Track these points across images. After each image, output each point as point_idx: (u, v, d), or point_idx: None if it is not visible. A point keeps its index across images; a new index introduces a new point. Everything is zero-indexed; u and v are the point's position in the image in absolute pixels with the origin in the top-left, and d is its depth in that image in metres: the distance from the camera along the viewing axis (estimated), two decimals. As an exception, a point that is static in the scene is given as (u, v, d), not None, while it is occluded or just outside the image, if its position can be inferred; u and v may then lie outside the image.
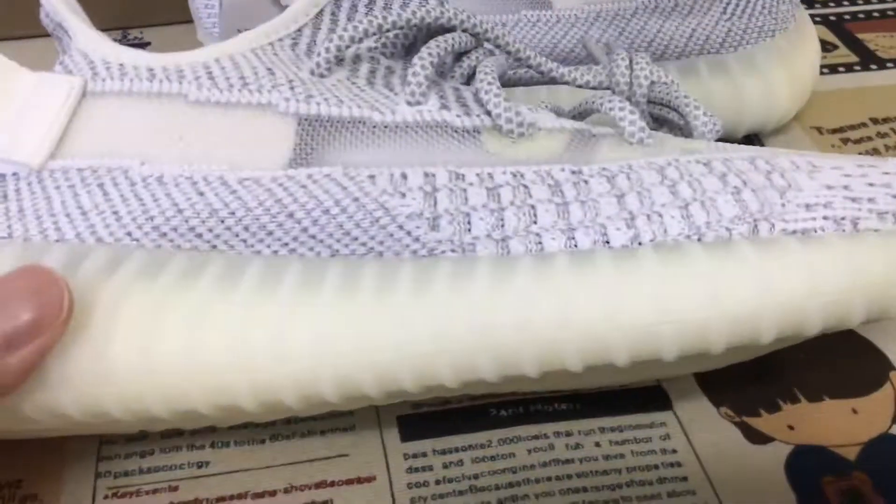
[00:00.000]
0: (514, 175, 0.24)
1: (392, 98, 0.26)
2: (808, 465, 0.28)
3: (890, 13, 0.48)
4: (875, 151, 0.40)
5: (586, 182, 0.24)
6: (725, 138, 0.39)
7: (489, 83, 0.26)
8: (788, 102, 0.39)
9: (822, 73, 0.44)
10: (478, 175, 0.24)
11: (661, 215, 0.23)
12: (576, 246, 0.23)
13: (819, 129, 0.41)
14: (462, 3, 0.38)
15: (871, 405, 0.30)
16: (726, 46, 0.38)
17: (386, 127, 0.25)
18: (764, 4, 0.37)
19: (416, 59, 0.26)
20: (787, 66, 0.38)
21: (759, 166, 0.25)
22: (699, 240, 0.23)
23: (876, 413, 0.29)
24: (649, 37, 0.38)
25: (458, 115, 0.25)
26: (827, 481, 0.27)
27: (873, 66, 0.45)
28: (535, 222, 0.24)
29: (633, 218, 0.23)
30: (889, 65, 0.45)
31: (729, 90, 0.38)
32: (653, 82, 0.29)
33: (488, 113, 0.26)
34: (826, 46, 0.46)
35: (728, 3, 0.37)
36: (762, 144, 0.40)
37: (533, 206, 0.24)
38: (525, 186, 0.24)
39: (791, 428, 0.29)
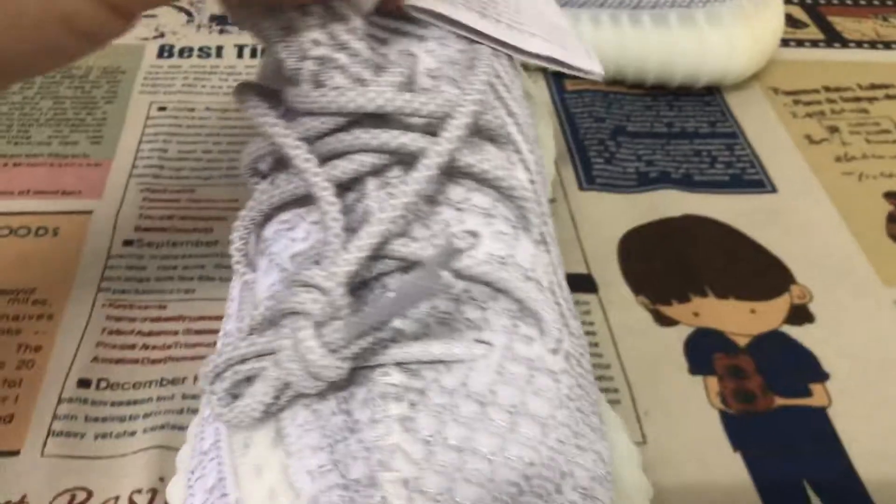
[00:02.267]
0: None
1: None
2: (704, 343, 0.33)
3: (862, 2, 0.53)
4: (821, 114, 0.44)
5: None
6: (686, 87, 0.44)
7: None
8: (747, 60, 0.43)
9: (789, 46, 0.49)
10: None
11: None
12: None
13: (775, 90, 0.46)
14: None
15: (769, 308, 0.34)
16: (696, 1, 0.42)
17: None
18: (733, -33, 0.42)
19: None
20: (749, 27, 0.43)
21: None
22: None
23: (771, 315, 0.34)
24: (628, -14, 0.42)
25: None
26: (717, 357, 0.32)
27: (836, 45, 0.49)
28: None
29: None
30: (851, 45, 0.49)
31: (694, 41, 0.42)
32: None
33: None
34: (797, 24, 0.51)
35: (701, -37, 0.42)
36: (721, 96, 0.45)
37: None
38: None
39: (696, 315, 0.34)
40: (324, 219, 0.22)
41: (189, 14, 0.50)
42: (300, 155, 0.22)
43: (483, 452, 0.20)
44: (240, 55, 0.46)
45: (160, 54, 0.46)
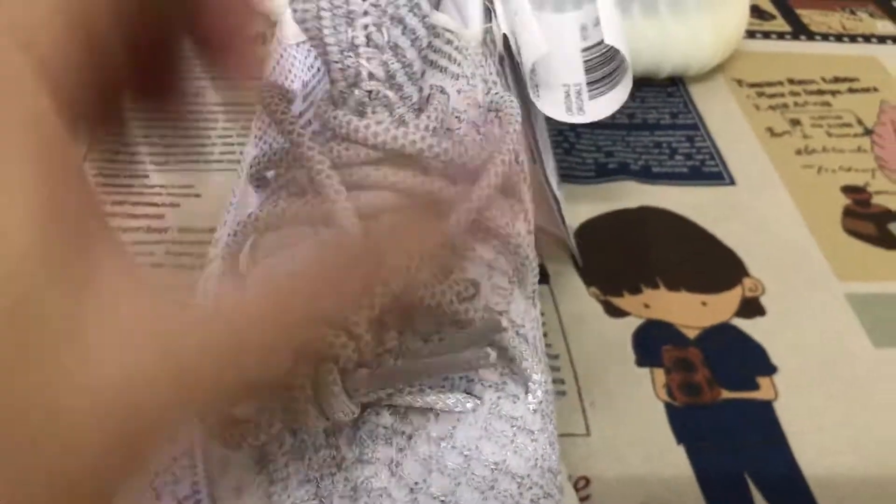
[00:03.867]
0: None
1: None
2: (653, 335, 0.33)
3: (830, -6, 0.53)
4: (784, 106, 0.44)
5: None
6: (649, 78, 0.44)
7: None
8: (711, 51, 0.43)
9: (755, 38, 0.49)
10: None
11: None
12: None
13: (739, 82, 0.45)
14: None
15: (720, 301, 0.34)
16: (659, -8, 0.42)
17: None
18: (697, -43, 0.42)
19: None
20: (713, 17, 0.43)
21: None
22: None
23: (722, 307, 0.34)
24: (592, -25, 0.42)
25: None
26: (666, 349, 0.32)
27: (803, 37, 0.49)
28: None
29: None
30: (817, 37, 0.49)
31: (657, 31, 0.42)
32: None
33: None
34: (765, 15, 0.51)
35: (665, -47, 0.41)
36: (685, 87, 0.45)
37: None
38: None
39: (646, 306, 0.34)
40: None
41: None
42: (332, 185, 0.22)
43: None
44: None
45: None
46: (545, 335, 0.32)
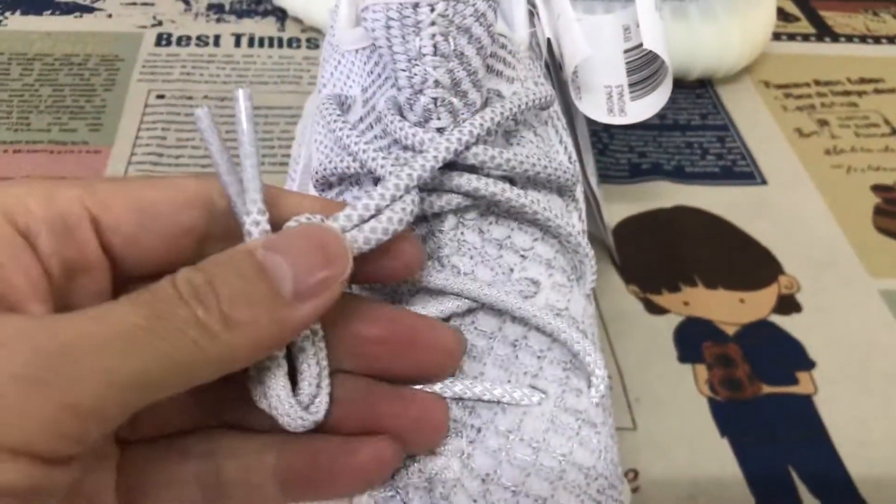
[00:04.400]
0: None
1: None
2: (694, 331, 0.33)
3: (852, -4, 0.54)
4: (811, 107, 0.45)
5: None
6: (679, 80, 0.45)
7: None
8: (739, 53, 0.44)
9: (780, 40, 0.49)
10: None
11: None
12: None
13: (766, 83, 0.46)
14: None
15: (757, 298, 0.35)
16: (689, -5, 0.43)
17: None
18: (727, -38, 0.43)
19: None
20: (741, 20, 0.43)
21: None
22: None
23: (759, 304, 0.35)
24: (623, -21, 0.43)
25: None
26: (707, 346, 0.33)
27: (827, 39, 0.50)
28: None
29: None
30: (841, 39, 0.50)
31: (687, 34, 0.43)
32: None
33: None
34: (789, 18, 0.51)
35: (695, -43, 0.42)
36: (713, 89, 0.45)
37: None
38: None
39: (686, 304, 0.34)
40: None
41: (186, 2, 0.50)
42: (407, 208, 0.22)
43: (535, 495, 0.21)
44: (237, 44, 0.47)
45: (158, 42, 0.46)
46: (588, 332, 0.33)
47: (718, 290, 0.35)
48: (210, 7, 0.50)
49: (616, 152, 0.41)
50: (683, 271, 0.35)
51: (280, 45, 0.47)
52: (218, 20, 0.48)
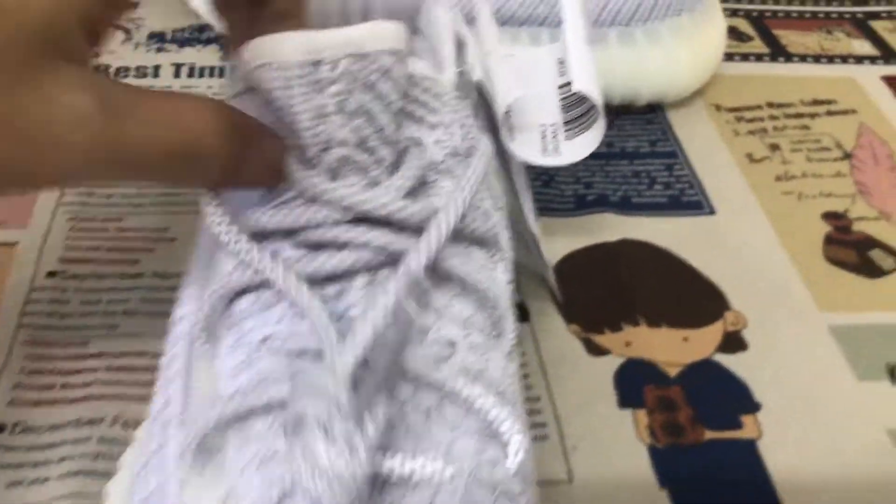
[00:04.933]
0: None
1: None
2: (635, 374, 0.32)
3: (807, 15, 0.53)
4: (763, 131, 0.44)
5: None
6: (628, 106, 0.44)
7: None
8: (688, 78, 0.43)
9: (733, 60, 0.49)
10: None
11: None
12: None
13: (718, 106, 0.45)
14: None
15: (702, 336, 0.34)
16: (635, 20, 0.42)
17: None
18: (673, -14, 0.42)
19: None
20: (689, 45, 0.42)
21: None
22: None
23: (704, 343, 0.34)
24: (567, 4, 0.42)
25: None
26: (648, 389, 0.32)
27: (781, 59, 0.49)
28: None
29: None
30: (795, 59, 0.49)
31: (634, 60, 0.42)
32: None
33: None
34: (743, 37, 0.51)
35: (640, -19, 0.41)
36: (664, 114, 0.44)
37: None
38: None
39: (628, 344, 0.33)
40: (315, 329, 0.21)
41: (127, 31, 0.49)
42: (292, 286, 0.22)
43: None
44: (177, 75, 0.45)
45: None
46: (526, 377, 0.32)
47: (662, 329, 0.34)
48: (151, 36, 0.48)
49: (561, 184, 0.40)
50: (626, 309, 0.34)
51: (221, 74, 0.46)
52: (158, 50, 0.47)
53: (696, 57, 0.43)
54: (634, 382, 0.32)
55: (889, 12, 0.53)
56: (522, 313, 0.34)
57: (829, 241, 0.38)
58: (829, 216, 0.40)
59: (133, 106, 0.20)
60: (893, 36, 0.51)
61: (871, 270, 0.37)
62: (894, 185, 0.42)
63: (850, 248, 0.38)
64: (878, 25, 0.52)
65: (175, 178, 0.24)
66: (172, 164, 0.21)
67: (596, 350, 0.33)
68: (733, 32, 0.50)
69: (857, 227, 0.39)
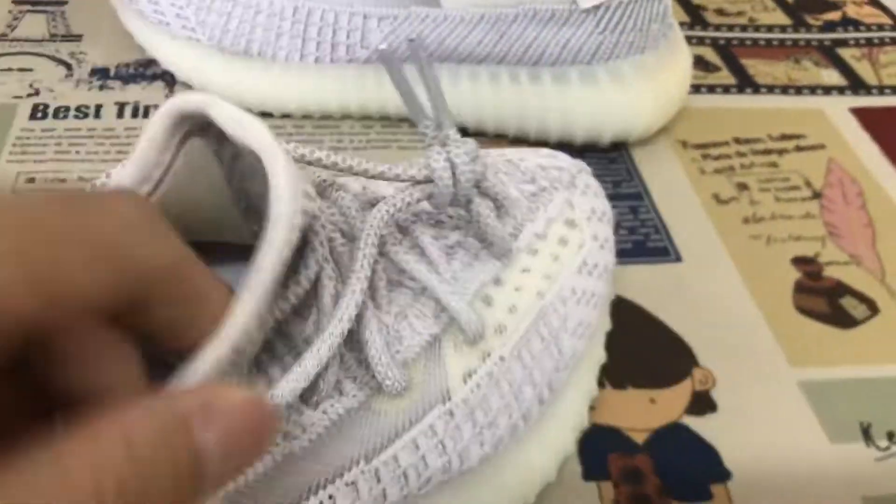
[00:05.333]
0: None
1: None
2: (600, 442, 0.31)
3: (774, 42, 0.52)
4: (730, 169, 0.43)
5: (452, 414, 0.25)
6: (591, 145, 0.42)
7: (376, 350, 0.24)
8: (652, 115, 0.42)
9: (700, 92, 0.47)
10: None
11: None
12: None
13: (684, 143, 0.44)
14: (355, -6, 0.40)
15: (669, 396, 0.32)
16: (597, 58, 0.40)
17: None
18: (636, 22, 0.40)
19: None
20: (653, 82, 0.41)
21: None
22: None
23: (671, 404, 0.32)
24: (526, 43, 0.40)
25: (354, 396, 0.24)
26: (613, 458, 0.30)
27: (748, 90, 0.48)
28: None
29: None
30: (762, 90, 0.48)
31: (596, 99, 0.40)
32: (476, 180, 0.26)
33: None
34: (710, 67, 0.49)
35: (601, 18, 0.40)
36: (628, 152, 0.43)
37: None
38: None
39: (592, 409, 0.32)
40: None
41: (68, 67, 0.46)
42: None
43: None
44: (120, 115, 0.43)
45: (33, 115, 0.43)
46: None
47: (627, 390, 0.32)
48: (94, 72, 0.46)
49: (523, 230, 0.38)
50: (590, 370, 0.33)
51: (167, 114, 0.43)
52: (101, 87, 0.45)
53: (660, 96, 0.41)
54: (599, 451, 0.30)
55: (856, 39, 0.52)
56: (482, 376, 0.33)
57: (799, 288, 0.37)
58: (798, 261, 0.38)
59: None
60: (861, 64, 0.50)
61: (843, 320, 0.36)
62: (864, 224, 0.40)
63: (820, 297, 0.37)
64: (845, 53, 0.51)
65: None
66: None
67: (559, 416, 0.31)
68: (700, 62, 0.49)
69: (828, 271, 0.38)
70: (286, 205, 0.20)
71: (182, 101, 0.21)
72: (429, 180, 0.25)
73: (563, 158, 0.32)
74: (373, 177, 0.25)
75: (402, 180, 0.25)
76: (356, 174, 0.24)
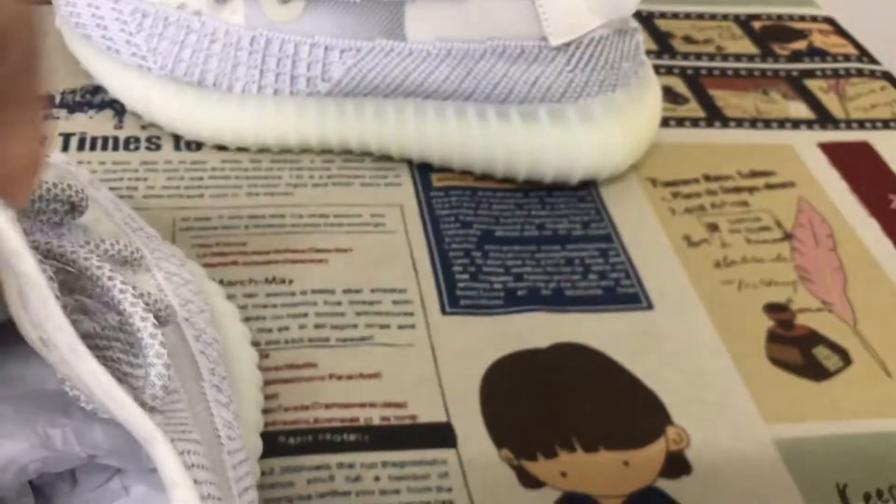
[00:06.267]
0: None
1: None
2: (571, 512, 0.30)
3: (742, 72, 0.51)
4: (700, 208, 0.42)
5: None
6: (561, 184, 0.41)
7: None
8: (622, 154, 0.41)
9: (669, 126, 0.46)
10: None
11: None
12: None
13: (653, 181, 0.43)
14: (317, 27, 0.39)
15: (643, 458, 0.31)
16: (567, 96, 0.39)
17: None
18: (607, 60, 0.39)
19: None
20: (623, 121, 0.40)
21: None
22: None
23: (645, 466, 0.31)
24: (495, 79, 0.39)
25: None
26: (585, 529, 0.29)
27: (717, 124, 0.47)
28: None
29: None
30: (731, 123, 0.47)
31: (565, 138, 0.39)
32: None
33: None
34: (679, 99, 0.48)
35: (572, 56, 0.38)
36: (597, 190, 0.42)
37: None
38: None
39: (563, 475, 0.30)
40: None
41: None
42: None
43: None
44: (65, 147, 0.41)
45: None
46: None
47: (600, 453, 0.31)
48: (38, 99, 0.44)
49: (490, 275, 0.37)
50: (561, 430, 0.32)
51: (116, 146, 0.41)
52: (45, 116, 0.43)
53: (630, 134, 0.40)
54: (572, 521, 0.29)
55: (822, 70, 0.52)
56: (449, 437, 0.31)
57: (771, 337, 0.36)
58: (771, 308, 0.37)
59: None
60: (828, 97, 0.50)
61: (816, 372, 0.35)
62: (835, 268, 0.40)
63: (793, 346, 0.36)
64: (812, 85, 0.51)
65: None
66: None
67: (530, 481, 0.30)
68: (669, 94, 0.48)
69: (801, 319, 0.37)
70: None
71: None
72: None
73: None
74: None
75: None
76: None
